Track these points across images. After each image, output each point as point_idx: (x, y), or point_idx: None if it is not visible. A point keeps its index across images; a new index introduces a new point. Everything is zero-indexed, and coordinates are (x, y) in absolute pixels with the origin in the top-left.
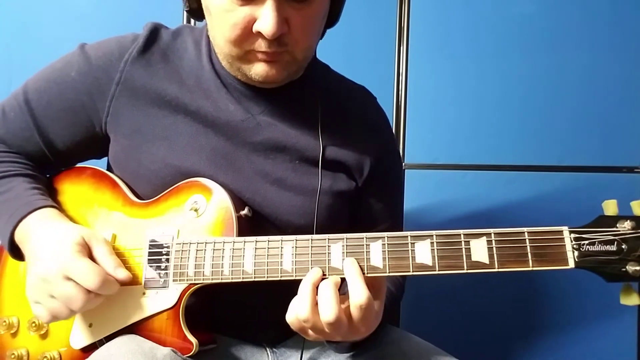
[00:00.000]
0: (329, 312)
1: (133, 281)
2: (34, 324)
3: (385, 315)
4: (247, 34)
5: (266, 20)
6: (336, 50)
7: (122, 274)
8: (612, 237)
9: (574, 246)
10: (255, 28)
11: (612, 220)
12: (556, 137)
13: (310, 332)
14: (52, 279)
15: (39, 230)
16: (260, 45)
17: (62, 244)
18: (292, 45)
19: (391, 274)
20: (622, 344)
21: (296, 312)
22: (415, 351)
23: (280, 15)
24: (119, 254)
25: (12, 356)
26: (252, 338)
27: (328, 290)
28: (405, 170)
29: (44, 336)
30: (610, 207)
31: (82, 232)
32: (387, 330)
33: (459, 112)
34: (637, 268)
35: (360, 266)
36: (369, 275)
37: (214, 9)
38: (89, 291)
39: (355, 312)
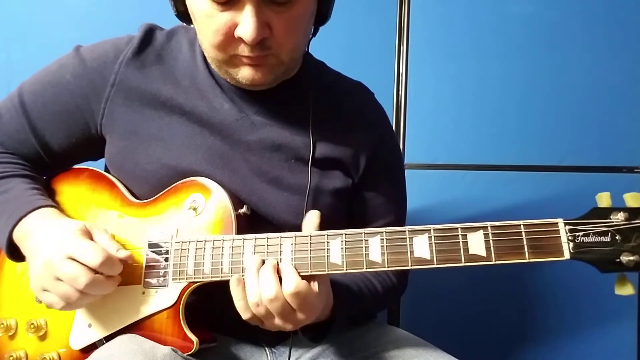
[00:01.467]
0: (268, 288)
1: (133, 281)
2: (32, 326)
3: (361, 306)
4: (229, 40)
5: (246, 26)
6: (336, 50)
7: (123, 253)
8: (606, 229)
9: (569, 238)
10: (236, 33)
11: (606, 212)
12: (556, 137)
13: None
14: (56, 261)
15: (40, 228)
16: (244, 50)
17: (65, 230)
18: (277, 48)
19: (390, 269)
20: (622, 344)
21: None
22: (414, 351)
23: (260, 20)
24: None
25: (11, 358)
26: (251, 337)
27: (267, 270)
28: (405, 170)
29: (42, 337)
30: (603, 199)
31: (84, 222)
32: (387, 330)
33: (459, 112)
34: (631, 258)
35: (358, 261)
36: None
37: (197, 14)
38: (92, 270)
39: (290, 299)
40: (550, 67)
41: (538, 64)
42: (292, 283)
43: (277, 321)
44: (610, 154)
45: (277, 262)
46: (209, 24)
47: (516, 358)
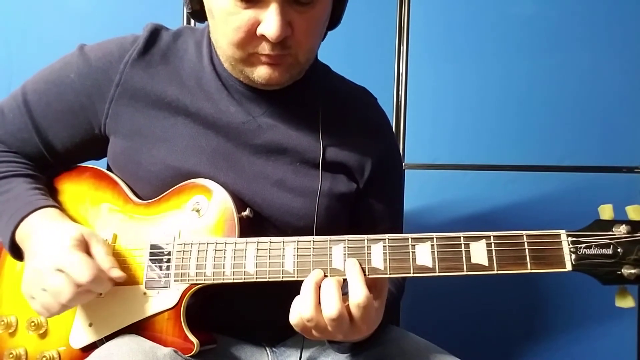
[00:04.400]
0: (332, 308)
1: (134, 281)
2: (32, 324)
3: (385, 315)
4: (250, 37)
5: (270, 24)
6: (336, 51)
7: (116, 273)
8: (608, 241)
9: (571, 249)
10: (260, 31)
11: (608, 224)
12: (556, 137)
13: (313, 331)
14: (45, 271)
15: (41, 229)
16: (264, 48)
17: (60, 238)
18: (295, 47)
19: (392, 276)
20: (622, 344)
21: (300, 311)
22: (415, 350)
23: (284, 19)
24: (120, 254)
25: (11, 355)
26: (252, 338)
27: (331, 287)
28: (405, 170)
29: (42, 335)
30: (606, 212)
31: (82, 230)
32: (387, 329)
33: (459, 112)
34: (632, 271)
35: (361, 268)
36: (370, 276)
37: (217, 12)
38: (78, 285)
39: (355, 311)
40: (550, 67)
41: (538, 64)
42: (361, 295)
43: (326, 334)
44: (610, 154)
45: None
46: (230, 21)
47: (516, 358)
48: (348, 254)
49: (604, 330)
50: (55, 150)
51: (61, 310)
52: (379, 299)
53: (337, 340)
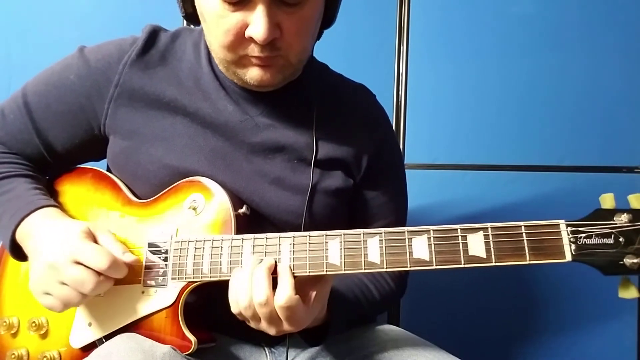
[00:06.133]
0: (260, 292)
1: (132, 280)
2: (34, 324)
3: (357, 312)
4: (239, 40)
5: (257, 26)
6: (336, 50)
7: (129, 257)
8: (609, 230)
9: (571, 239)
10: (247, 33)
11: (609, 214)
12: (556, 137)
13: (251, 322)
14: (61, 265)
15: (42, 227)
16: (254, 50)
17: (68, 232)
18: (286, 49)
19: (388, 269)
20: (622, 344)
21: (236, 299)
22: (413, 349)
23: (271, 21)
24: None
25: (13, 356)
26: (250, 337)
27: (261, 273)
28: (405, 170)
29: (43, 336)
30: (607, 201)
31: (87, 223)
32: (385, 329)
33: (459, 112)
34: (635, 261)
35: (357, 262)
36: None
37: (208, 15)
38: (98, 274)
39: (279, 311)
40: (550, 67)
41: (538, 64)
42: (284, 296)
43: (263, 324)
44: (610, 154)
45: (275, 263)
46: (220, 24)
47: (516, 357)
48: (344, 248)
49: (604, 329)
50: (55, 151)
51: (80, 302)
52: (317, 294)
53: (271, 333)
